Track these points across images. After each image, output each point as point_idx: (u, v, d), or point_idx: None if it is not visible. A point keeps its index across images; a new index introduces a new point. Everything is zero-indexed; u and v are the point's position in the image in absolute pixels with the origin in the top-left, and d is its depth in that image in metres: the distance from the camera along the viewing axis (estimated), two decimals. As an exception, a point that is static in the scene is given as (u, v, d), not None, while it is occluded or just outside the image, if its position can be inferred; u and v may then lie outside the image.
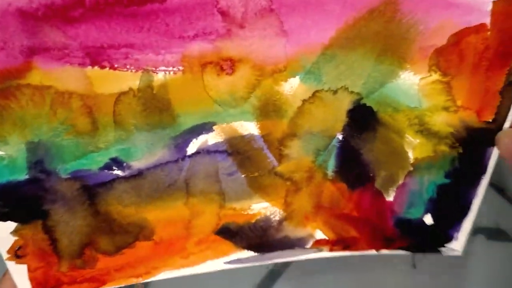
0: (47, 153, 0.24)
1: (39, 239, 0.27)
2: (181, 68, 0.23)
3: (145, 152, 0.25)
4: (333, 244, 0.31)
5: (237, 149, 0.26)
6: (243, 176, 0.27)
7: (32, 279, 0.28)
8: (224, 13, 0.22)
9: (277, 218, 0.29)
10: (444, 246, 0.31)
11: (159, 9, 0.21)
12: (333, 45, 0.23)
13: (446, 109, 0.25)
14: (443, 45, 0.23)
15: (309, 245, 0.31)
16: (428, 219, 0.30)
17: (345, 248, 0.31)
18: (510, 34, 0.22)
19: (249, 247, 0.30)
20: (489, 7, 0.22)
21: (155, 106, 0.24)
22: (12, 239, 0.26)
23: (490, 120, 0.25)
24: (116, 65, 0.22)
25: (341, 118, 0.25)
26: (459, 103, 0.25)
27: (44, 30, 0.21)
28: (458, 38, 0.22)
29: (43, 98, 0.22)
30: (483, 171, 0.27)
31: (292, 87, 0.24)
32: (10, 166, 0.24)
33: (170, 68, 0.23)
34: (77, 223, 0.27)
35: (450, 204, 0.29)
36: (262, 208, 0.29)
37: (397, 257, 0.36)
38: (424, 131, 0.26)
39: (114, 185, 0.26)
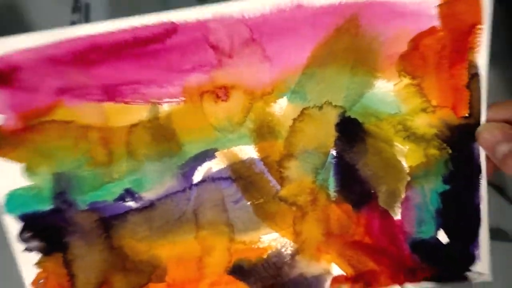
0: (70, 184, 0.27)
1: (60, 274, 0.28)
2: (182, 98, 0.26)
3: (155, 182, 0.27)
4: (353, 282, 0.29)
5: (239, 175, 0.28)
6: (248, 203, 0.28)
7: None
8: (214, 47, 0.26)
9: (289, 251, 0.29)
10: (470, 270, 0.29)
11: (160, 48, 0.26)
12: (310, 64, 0.26)
13: (424, 110, 0.26)
14: (405, 51, 0.25)
15: (327, 285, 0.29)
16: (443, 237, 0.29)
17: (367, 285, 0.29)
18: (459, 31, 0.25)
19: (264, 288, 0.29)
20: (434, 11, 0.25)
21: (162, 135, 0.27)
22: (36, 271, 0.28)
23: (467, 115, 0.26)
24: (127, 100, 0.26)
25: (331, 133, 0.27)
26: (434, 102, 0.26)
27: (69, 72, 0.25)
28: (415, 42, 0.25)
29: (67, 132, 0.26)
30: (478, 170, 0.27)
31: (282, 107, 0.27)
32: (37, 196, 0.27)
33: (173, 99, 0.26)
34: (94, 257, 0.28)
35: (458, 214, 0.28)
36: (272, 240, 0.29)
37: None
38: (411, 136, 0.27)
39: (127, 217, 0.28)
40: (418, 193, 0.28)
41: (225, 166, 0.28)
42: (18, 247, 0.27)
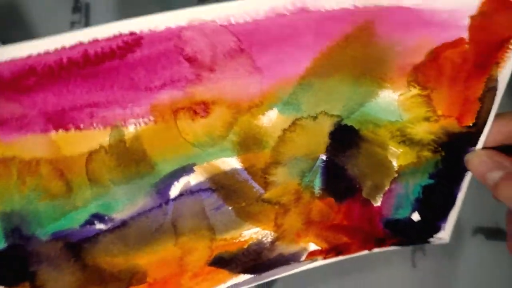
0: (23, 220, 0.23)
1: (29, 301, 0.26)
2: (152, 118, 0.21)
3: (126, 204, 0.24)
4: (326, 253, 0.31)
5: (221, 185, 0.25)
6: (230, 208, 0.26)
7: None
8: (190, 59, 0.20)
9: (269, 240, 0.29)
10: (432, 237, 0.31)
11: (120, 65, 0.19)
12: (309, 74, 0.22)
13: (427, 119, 0.25)
14: (421, 61, 0.22)
15: (303, 258, 0.31)
16: (416, 216, 0.30)
17: (338, 254, 0.31)
18: (488, 45, 0.22)
19: (244, 271, 0.30)
20: (467, 21, 0.21)
21: (130, 159, 0.22)
22: None
23: (471, 125, 0.25)
24: (82, 125, 0.21)
25: (324, 141, 0.25)
26: (439, 112, 0.24)
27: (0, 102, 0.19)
28: (436, 54, 0.22)
29: (9, 170, 0.21)
30: (465, 170, 0.27)
31: (271, 119, 0.23)
32: (-14, 239, 0.23)
33: (140, 120, 0.21)
34: (66, 279, 0.26)
35: (436, 202, 0.29)
36: (253, 233, 0.28)
37: (396, 256, 0.36)
38: (407, 141, 0.26)
39: (99, 239, 0.25)
40: (402, 186, 0.28)
41: (205, 179, 0.25)
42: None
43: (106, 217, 0.25)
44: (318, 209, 0.28)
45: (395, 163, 0.27)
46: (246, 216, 0.27)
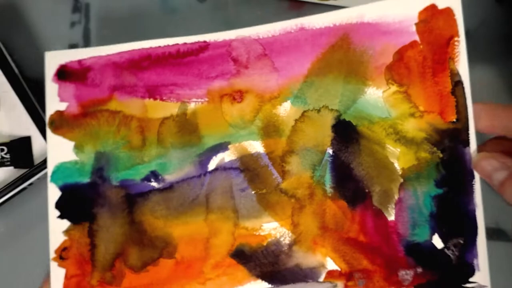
0: (108, 162, 0.33)
1: (82, 243, 0.32)
2: (206, 99, 0.33)
3: (176, 168, 0.32)
4: (347, 279, 0.30)
5: (247, 166, 0.32)
6: (253, 192, 0.32)
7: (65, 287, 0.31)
8: (234, 60, 0.32)
9: (287, 241, 0.31)
10: (469, 282, 0.29)
11: (194, 60, 0.33)
12: (310, 74, 0.31)
13: (412, 115, 0.30)
14: (391, 62, 0.30)
15: (321, 278, 0.30)
16: (438, 242, 0.29)
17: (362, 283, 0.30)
18: (438, 44, 0.30)
19: (262, 276, 0.31)
20: (413, 28, 0.30)
21: (186, 128, 0.33)
22: (62, 239, 0.32)
23: (455, 120, 0.29)
24: (164, 98, 0.33)
25: (328, 133, 0.31)
26: (421, 108, 0.30)
27: (124, 74, 0.33)
28: (400, 54, 0.30)
29: (113, 120, 0.33)
30: (470, 175, 0.29)
31: (286, 110, 0.32)
32: (80, 170, 0.33)
33: (199, 100, 0.33)
34: (115, 230, 0.32)
35: (452, 219, 0.29)
36: (272, 229, 0.32)
37: None
38: (401, 139, 0.30)
39: (150, 196, 0.32)
40: (411, 195, 0.30)
41: (236, 158, 0.32)
42: (53, 213, 0.33)
43: (160, 177, 0.32)
44: (332, 213, 0.31)
45: (397, 166, 0.30)
46: (266, 204, 0.32)
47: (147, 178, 0.33)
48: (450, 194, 0.30)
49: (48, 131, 0.33)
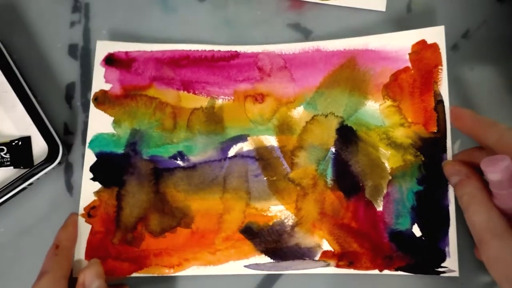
0: (141, 138, 0.37)
1: (110, 205, 0.36)
2: (232, 98, 0.39)
3: (201, 151, 0.38)
4: (339, 259, 0.35)
5: (262, 156, 0.37)
6: (265, 178, 0.37)
7: (88, 242, 0.35)
8: (260, 68, 0.39)
9: (290, 223, 0.36)
10: (441, 266, 0.34)
11: (225, 65, 0.39)
12: (322, 86, 0.38)
13: (402, 125, 0.37)
14: (387, 82, 0.38)
15: (317, 257, 0.35)
16: (417, 231, 0.35)
17: (350, 264, 0.35)
18: (425, 70, 0.38)
19: (266, 252, 0.36)
20: (407, 57, 0.38)
21: (213, 119, 0.38)
22: (92, 199, 0.35)
23: (435, 131, 0.36)
24: (196, 92, 0.38)
25: (332, 135, 0.37)
26: (409, 120, 0.37)
27: (164, 68, 0.39)
28: (395, 76, 0.38)
29: (151, 104, 0.38)
30: (445, 177, 0.35)
31: (299, 113, 0.38)
32: (115, 142, 0.38)
33: (226, 97, 0.39)
34: (141, 197, 0.36)
35: (429, 212, 0.36)
36: (278, 211, 0.37)
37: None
38: (392, 143, 0.37)
39: (175, 172, 0.37)
40: (397, 190, 0.36)
41: (253, 148, 0.38)
42: (87, 175, 0.36)
43: (185, 157, 0.37)
44: (330, 201, 0.36)
45: (387, 165, 0.36)
46: (275, 190, 0.37)
47: (174, 157, 0.38)
48: (428, 191, 0.36)
49: (91, 105, 0.38)
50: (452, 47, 0.40)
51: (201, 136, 0.38)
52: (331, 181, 0.37)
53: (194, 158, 0.38)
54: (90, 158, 0.37)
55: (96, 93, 0.39)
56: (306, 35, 0.41)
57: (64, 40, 0.42)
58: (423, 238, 0.36)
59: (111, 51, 0.40)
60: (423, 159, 0.37)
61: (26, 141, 0.39)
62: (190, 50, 0.40)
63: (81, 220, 0.36)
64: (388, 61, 0.39)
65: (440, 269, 0.35)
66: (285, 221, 0.37)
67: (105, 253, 0.36)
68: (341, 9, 0.42)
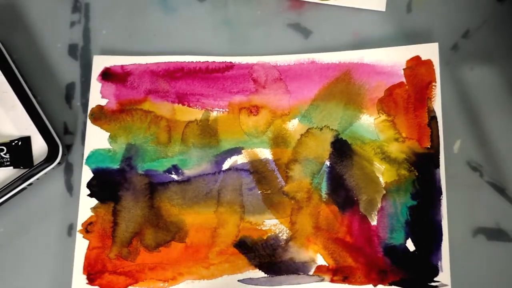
0: (136, 153, 0.38)
1: (106, 220, 0.37)
2: (227, 110, 0.39)
3: (195, 164, 0.38)
4: (333, 274, 0.35)
5: (256, 169, 0.37)
6: (259, 192, 0.37)
7: (86, 257, 0.35)
8: (255, 80, 0.39)
9: (284, 237, 0.36)
10: (434, 281, 0.34)
11: (220, 76, 0.39)
12: (317, 99, 0.38)
13: (396, 139, 0.37)
14: (382, 96, 0.37)
15: (311, 271, 0.35)
16: (410, 245, 0.35)
17: (344, 279, 0.35)
18: (419, 86, 0.37)
19: (260, 266, 0.36)
20: (402, 72, 0.37)
21: (207, 132, 0.38)
22: (89, 214, 0.36)
23: (429, 146, 0.36)
24: (191, 104, 0.39)
25: (327, 148, 0.37)
26: (404, 134, 0.37)
27: (159, 81, 0.39)
28: (390, 91, 0.37)
29: (146, 118, 0.38)
30: (439, 192, 0.35)
31: (294, 125, 0.38)
32: (112, 157, 0.38)
33: (221, 110, 0.39)
34: (136, 212, 0.37)
35: (423, 226, 0.36)
36: (272, 225, 0.37)
37: None
38: (386, 158, 0.36)
39: (169, 186, 0.37)
40: (391, 205, 0.36)
41: (247, 161, 0.38)
42: (84, 191, 0.37)
43: (180, 170, 0.38)
44: (325, 215, 0.36)
45: (381, 180, 0.36)
46: (269, 203, 0.37)
47: (168, 171, 0.38)
48: (422, 206, 0.36)
49: (88, 121, 0.38)
50: (452, 47, 0.39)
51: (196, 149, 0.39)
52: (325, 194, 0.37)
53: (188, 172, 0.38)
54: (87, 174, 0.38)
55: (92, 109, 0.39)
56: (306, 35, 0.41)
57: (64, 40, 0.42)
58: (416, 252, 0.36)
59: (107, 65, 0.40)
60: (416, 174, 0.36)
61: (26, 141, 0.39)
62: (184, 62, 0.40)
63: (79, 236, 0.37)
64: (383, 75, 0.38)
65: (433, 284, 0.35)
66: (280, 235, 0.37)
67: (102, 267, 0.37)
68: (341, 9, 0.41)
